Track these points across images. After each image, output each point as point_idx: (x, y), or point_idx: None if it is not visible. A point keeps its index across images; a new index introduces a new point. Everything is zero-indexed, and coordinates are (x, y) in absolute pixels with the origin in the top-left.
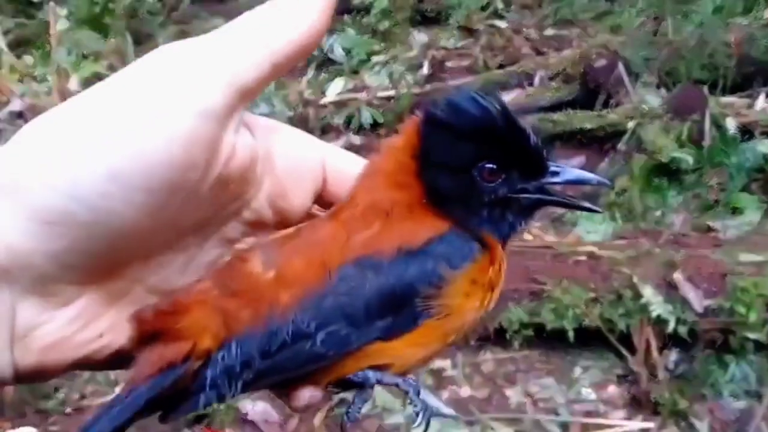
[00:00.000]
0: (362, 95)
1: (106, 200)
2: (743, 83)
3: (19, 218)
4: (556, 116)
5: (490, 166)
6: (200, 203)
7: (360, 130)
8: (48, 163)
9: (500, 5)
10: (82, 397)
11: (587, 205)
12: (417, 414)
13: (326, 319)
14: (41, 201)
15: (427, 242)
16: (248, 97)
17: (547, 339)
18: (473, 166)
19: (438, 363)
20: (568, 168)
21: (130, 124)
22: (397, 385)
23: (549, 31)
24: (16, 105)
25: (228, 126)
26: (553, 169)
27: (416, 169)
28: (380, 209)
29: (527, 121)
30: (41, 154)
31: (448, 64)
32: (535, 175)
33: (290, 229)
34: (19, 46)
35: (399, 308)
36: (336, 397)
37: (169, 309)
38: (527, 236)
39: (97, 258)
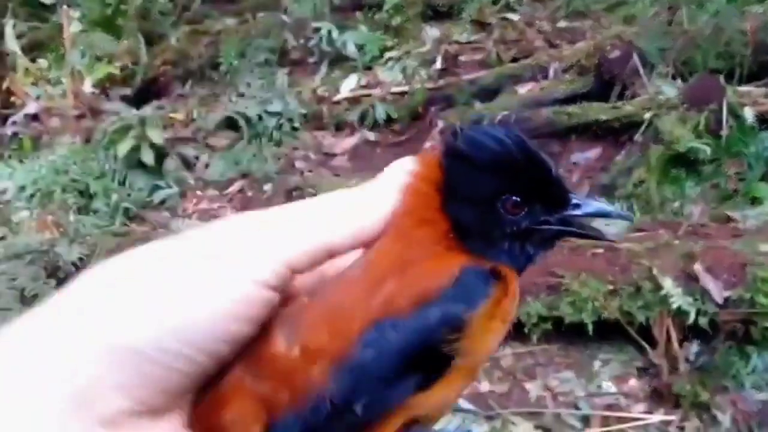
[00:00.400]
0: (376, 91)
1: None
2: (760, 72)
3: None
4: (571, 109)
5: (515, 198)
6: None
7: (374, 125)
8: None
9: None
10: None
11: (608, 236)
12: None
13: (361, 388)
14: (127, 340)
15: (444, 288)
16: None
17: (565, 332)
18: (497, 199)
19: None
20: (589, 200)
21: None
22: None
23: (562, 23)
24: (31, 108)
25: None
26: (574, 201)
27: (440, 203)
28: (400, 258)
29: (547, 154)
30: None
31: (462, 58)
32: (557, 208)
33: (306, 294)
34: (32, 49)
35: (427, 360)
36: None
37: (209, 405)
38: None
39: (170, 394)
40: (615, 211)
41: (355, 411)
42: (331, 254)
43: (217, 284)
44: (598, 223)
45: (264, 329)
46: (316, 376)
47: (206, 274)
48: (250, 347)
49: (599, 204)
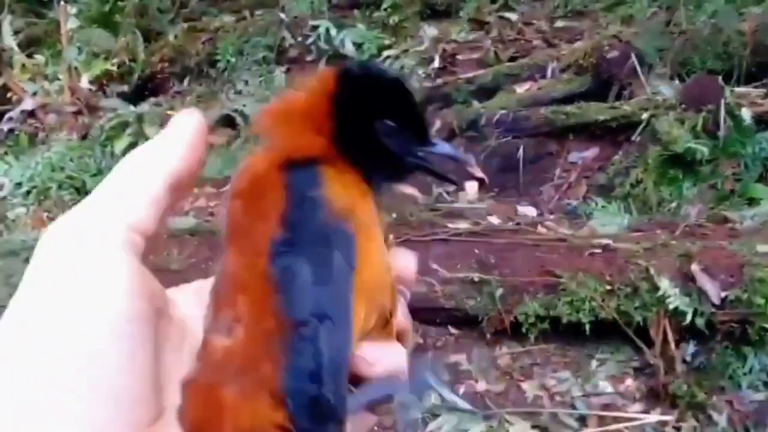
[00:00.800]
0: None
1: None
2: (758, 73)
3: None
4: (569, 108)
5: (391, 123)
6: None
7: None
8: None
9: None
10: None
11: (455, 178)
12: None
13: (305, 299)
14: None
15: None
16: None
17: (563, 332)
18: (376, 119)
19: (453, 357)
20: (443, 143)
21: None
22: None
23: (560, 23)
24: (27, 104)
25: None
26: (433, 141)
27: (329, 111)
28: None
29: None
30: None
31: (459, 57)
32: (421, 143)
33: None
34: (29, 45)
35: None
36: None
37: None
38: (541, 229)
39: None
40: (462, 157)
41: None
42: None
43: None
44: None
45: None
46: (272, 328)
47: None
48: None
49: (450, 148)
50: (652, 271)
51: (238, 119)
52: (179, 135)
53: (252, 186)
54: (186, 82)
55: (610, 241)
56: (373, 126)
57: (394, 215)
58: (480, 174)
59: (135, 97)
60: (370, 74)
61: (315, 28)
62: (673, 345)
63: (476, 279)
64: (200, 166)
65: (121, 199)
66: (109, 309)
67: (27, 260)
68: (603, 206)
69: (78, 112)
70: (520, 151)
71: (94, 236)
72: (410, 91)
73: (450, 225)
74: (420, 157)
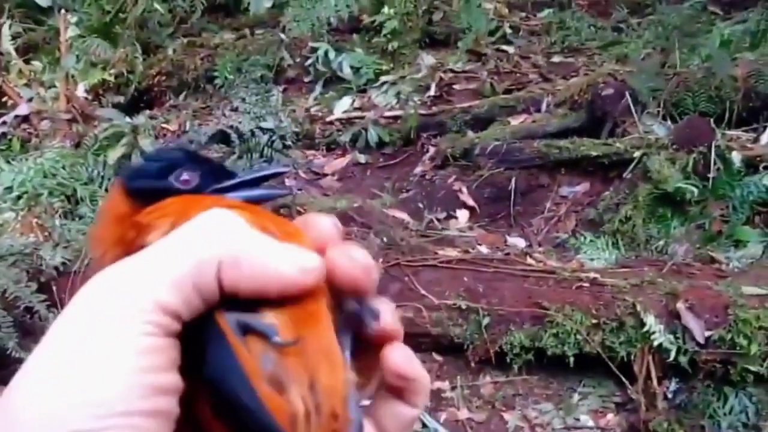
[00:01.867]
0: (369, 114)
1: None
2: (749, 117)
3: None
4: (563, 143)
5: (185, 172)
6: None
7: (366, 147)
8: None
9: (508, 30)
10: None
11: (268, 194)
12: None
13: None
14: None
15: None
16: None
17: (547, 364)
18: (170, 175)
19: (437, 384)
20: (251, 171)
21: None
22: None
23: (556, 59)
24: (22, 109)
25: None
26: (238, 174)
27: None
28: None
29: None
30: None
31: (456, 86)
32: (225, 179)
33: None
34: (27, 51)
35: None
36: None
37: None
38: (530, 261)
39: None
40: (269, 172)
41: None
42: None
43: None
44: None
45: None
46: None
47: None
48: None
49: (256, 172)
50: (638, 307)
51: (233, 136)
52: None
53: None
54: (182, 96)
55: (598, 276)
56: (171, 184)
57: (385, 239)
58: (283, 170)
59: (130, 108)
60: (145, 162)
61: (314, 50)
62: (655, 381)
63: (463, 306)
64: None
65: (161, 271)
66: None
67: (13, 265)
68: (591, 241)
69: (72, 120)
70: (512, 182)
71: (117, 308)
72: (188, 151)
73: (440, 252)
74: (217, 189)
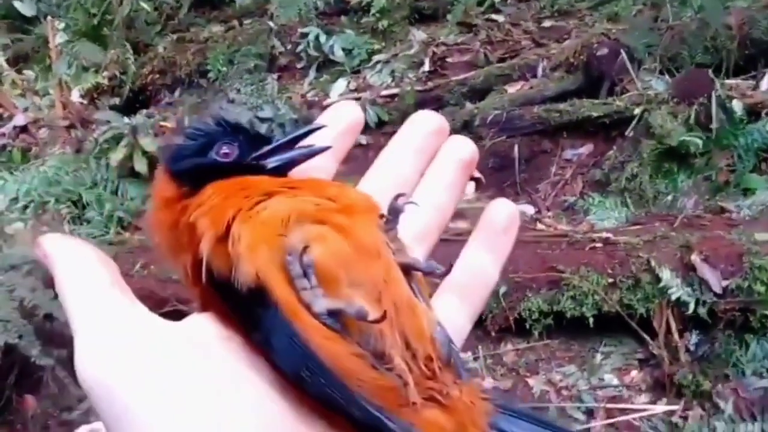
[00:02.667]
0: (365, 94)
1: None
2: (747, 65)
3: None
4: (562, 106)
5: (224, 146)
6: None
7: (366, 128)
8: None
9: None
10: None
11: (306, 153)
12: None
13: None
14: None
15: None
16: None
17: (566, 327)
18: (210, 149)
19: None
20: (281, 140)
21: None
22: None
23: (547, 23)
24: (19, 119)
25: None
26: (275, 138)
27: (179, 187)
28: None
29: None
30: None
31: (449, 59)
32: (262, 145)
33: None
34: (17, 61)
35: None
36: None
37: None
38: (540, 226)
39: None
40: (302, 131)
41: None
42: None
43: None
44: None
45: None
46: None
47: None
48: None
49: (291, 134)
50: (653, 263)
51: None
52: None
53: None
54: (177, 92)
55: (610, 235)
56: (212, 158)
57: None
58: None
59: (127, 109)
60: (183, 135)
61: (304, 35)
62: (676, 335)
63: None
64: None
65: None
66: None
67: (28, 273)
68: (600, 201)
69: (71, 126)
70: (515, 150)
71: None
72: (221, 118)
73: (450, 225)
74: (256, 156)
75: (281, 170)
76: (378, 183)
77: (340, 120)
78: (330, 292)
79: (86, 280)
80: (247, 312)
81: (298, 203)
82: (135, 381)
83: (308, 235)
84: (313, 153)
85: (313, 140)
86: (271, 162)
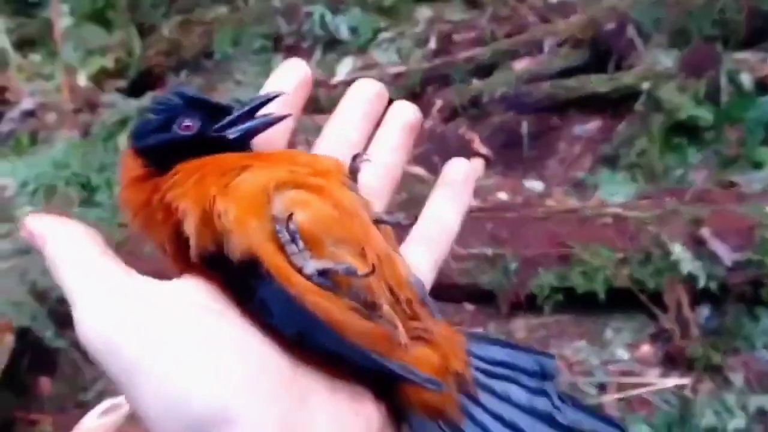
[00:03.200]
0: (372, 73)
1: None
2: (755, 38)
3: None
4: (570, 82)
5: (186, 119)
6: None
7: None
8: None
9: None
10: None
11: (264, 121)
12: None
13: None
14: None
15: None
16: None
17: (577, 303)
18: (172, 126)
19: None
20: (242, 109)
21: None
22: None
23: None
24: (26, 104)
25: None
26: (235, 108)
27: (145, 165)
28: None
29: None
30: None
31: (456, 37)
32: (223, 116)
33: None
34: (22, 45)
35: None
36: None
37: None
38: (550, 202)
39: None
40: (261, 99)
41: None
42: None
43: None
44: None
45: None
46: None
47: None
48: None
49: (251, 103)
50: (663, 237)
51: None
52: None
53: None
54: (183, 74)
55: (620, 210)
56: (174, 133)
57: (405, 195)
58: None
59: (133, 92)
60: (148, 113)
61: (309, 14)
62: (687, 309)
63: (489, 254)
64: None
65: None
66: None
67: (40, 257)
68: (609, 176)
69: (78, 110)
70: (523, 126)
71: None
72: (184, 94)
73: None
74: (217, 128)
75: (243, 140)
76: (330, 149)
77: (290, 80)
78: (317, 253)
79: (77, 253)
80: (240, 284)
81: (274, 172)
82: (138, 335)
83: (290, 202)
84: (272, 121)
85: (273, 108)
86: (232, 133)
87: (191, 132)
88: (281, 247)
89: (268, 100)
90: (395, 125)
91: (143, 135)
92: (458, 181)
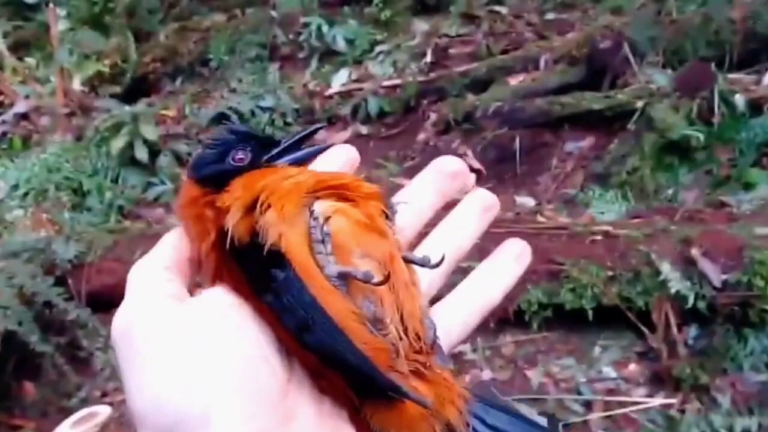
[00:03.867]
0: (367, 85)
1: None
2: (750, 59)
3: None
4: (564, 99)
5: (238, 152)
6: None
7: (367, 119)
8: None
9: None
10: (104, 394)
11: (309, 152)
12: None
13: None
14: None
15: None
16: None
17: (565, 319)
18: (227, 156)
19: (458, 347)
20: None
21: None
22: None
23: (550, 15)
24: (20, 107)
25: None
26: (283, 141)
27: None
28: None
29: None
30: None
31: (452, 51)
32: (272, 148)
33: None
34: (18, 48)
35: None
36: None
37: None
38: (541, 218)
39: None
40: (306, 132)
41: None
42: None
43: None
44: None
45: None
46: None
47: None
48: None
49: (296, 135)
50: (653, 256)
51: (233, 117)
52: None
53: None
54: (179, 81)
55: (610, 228)
56: (229, 163)
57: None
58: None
59: (128, 97)
60: (206, 147)
61: (306, 25)
62: (675, 329)
63: None
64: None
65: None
66: None
67: (28, 261)
68: (601, 194)
69: (71, 114)
70: (516, 142)
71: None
72: (237, 129)
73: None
74: (268, 158)
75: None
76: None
77: (338, 160)
78: (342, 259)
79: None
80: (262, 274)
81: (321, 182)
82: (149, 330)
83: (330, 208)
84: (318, 151)
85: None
86: (281, 162)
87: (245, 162)
88: (310, 245)
89: (313, 132)
90: (472, 207)
91: (200, 167)
92: (511, 260)
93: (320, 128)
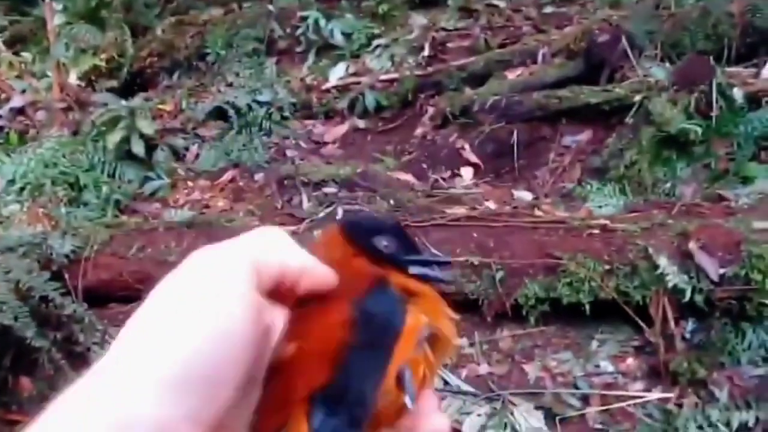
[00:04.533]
0: (365, 79)
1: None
2: (748, 53)
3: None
4: (562, 92)
5: (387, 239)
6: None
7: (364, 113)
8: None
9: None
10: None
11: (440, 277)
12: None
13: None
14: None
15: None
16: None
17: (563, 313)
18: (375, 237)
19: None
20: (427, 255)
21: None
22: None
23: (548, 9)
24: (16, 101)
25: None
26: (424, 254)
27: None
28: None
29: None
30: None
31: (449, 45)
32: (412, 252)
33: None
34: (14, 43)
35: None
36: None
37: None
38: (538, 212)
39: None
40: (441, 260)
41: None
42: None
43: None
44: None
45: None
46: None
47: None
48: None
49: (432, 257)
50: (650, 250)
51: (230, 111)
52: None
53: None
54: (176, 76)
55: (607, 222)
56: (376, 243)
57: (392, 202)
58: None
59: (124, 92)
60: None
61: (304, 19)
62: (672, 323)
63: (476, 263)
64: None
65: (256, 243)
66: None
67: (24, 255)
68: (598, 188)
69: (68, 109)
70: (514, 136)
71: (224, 266)
72: (393, 222)
73: (447, 210)
74: (407, 261)
75: (417, 277)
76: None
77: None
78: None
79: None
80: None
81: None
82: (151, 303)
83: (419, 359)
84: (438, 280)
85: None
86: (413, 269)
87: (387, 251)
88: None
89: (446, 263)
90: None
91: (353, 228)
92: None
93: (448, 262)
